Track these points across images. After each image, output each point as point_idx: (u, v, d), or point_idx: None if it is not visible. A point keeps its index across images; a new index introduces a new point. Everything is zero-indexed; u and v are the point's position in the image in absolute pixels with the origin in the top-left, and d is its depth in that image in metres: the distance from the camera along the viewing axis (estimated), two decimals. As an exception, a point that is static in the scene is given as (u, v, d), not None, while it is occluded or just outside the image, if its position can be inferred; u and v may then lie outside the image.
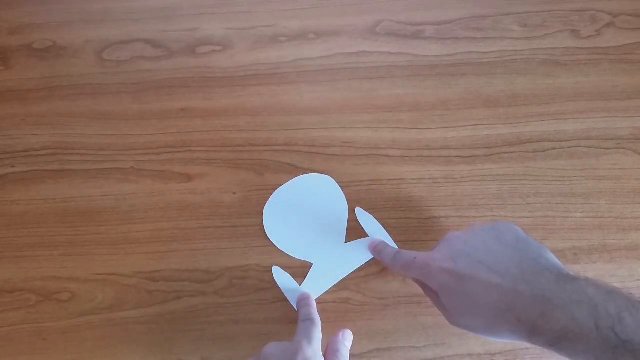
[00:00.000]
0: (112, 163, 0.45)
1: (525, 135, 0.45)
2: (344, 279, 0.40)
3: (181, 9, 0.50)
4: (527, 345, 0.38)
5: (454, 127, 0.45)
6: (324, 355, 0.33)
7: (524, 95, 0.46)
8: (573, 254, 0.41)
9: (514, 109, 0.46)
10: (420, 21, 0.49)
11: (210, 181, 0.44)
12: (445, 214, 0.42)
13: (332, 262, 0.41)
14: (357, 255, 0.41)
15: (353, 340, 0.38)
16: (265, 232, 0.42)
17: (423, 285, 0.35)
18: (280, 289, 0.40)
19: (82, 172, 0.44)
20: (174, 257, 0.42)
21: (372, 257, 0.40)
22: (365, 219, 0.42)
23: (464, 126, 0.45)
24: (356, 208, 0.42)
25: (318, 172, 0.44)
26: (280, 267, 0.41)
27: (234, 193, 0.43)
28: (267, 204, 0.43)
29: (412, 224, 0.42)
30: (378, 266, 0.41)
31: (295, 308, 0.39)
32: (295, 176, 0.44)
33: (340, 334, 0.36)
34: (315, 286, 0.40)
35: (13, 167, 0.45)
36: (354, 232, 0.42)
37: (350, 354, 0.39)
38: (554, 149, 0.44)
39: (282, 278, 0.40)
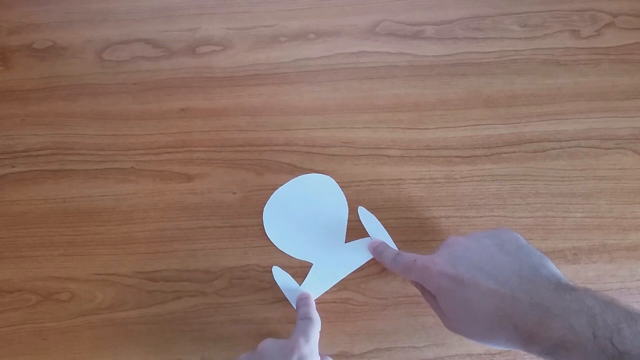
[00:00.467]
0: (112, 163, 0.45)
1: (525, 135, 0.45)
2: (344, 279, 0.40)
3: (181, 9, 0.50)
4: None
5: (454, 127, 0.45)
6: None
7: (524, 95, 0.46)
8: (573, 254, 0.41)
9: (514, 109, 0.46)
10: (420, 21, 0.49)
11: (210, 181, 0.44)
12: (445, 214, 0.42)
13: (332, 262, 0.41)
14: (357, 256, 0.41)
15: (353, 340, 0.38)
16: (265, 232, 0.42)
17: (421, 288, 0.35)
18: (280, 289, 0.40)
19: (82, 172, 0.44)
20: (174, 257, 0.42)
21: (372, 257, 0.40)
22: (367, 219, 0.42)
23: (464, 126, 0.45)
24: (359, 207, 0.42)
25: (318, 172, 0.44)
26: (280, 267, 0.41)
27: (234, 193, 0.43)
28: (267, 203, 0.43)
29: (412, 224, 0.42)
30: (378, 266, 0.41)
31: (295, 308, 0.39)
32: (295, 176, 0.44)
33: None
34: (315, 286, 0.40)
35: (13, 167, 0.45)
36: (354, 232, 0.42)
37: (350, 354, 0.39)
38: (554, 149, 0.44)
39: (282, 278, 0.40)
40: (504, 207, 0.43)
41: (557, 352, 0.26)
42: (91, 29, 0.50)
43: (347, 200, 0.43)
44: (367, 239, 0.41)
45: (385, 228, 0.42)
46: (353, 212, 0.42)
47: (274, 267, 0.41)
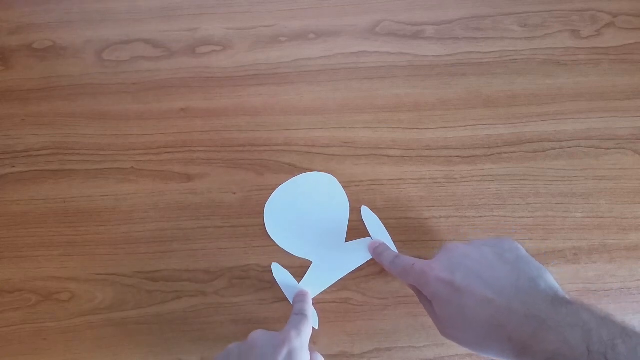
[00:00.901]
0: (111, 163, 0.45)
1: (525, 135, 0.45)
2: (344, 279, 0.40)
3: (181, 9, 0.50)
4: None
5: (454, 127, 0.45)
6: None
7: (524, 95, 0.46)
8: (573, 254, 0.41)
9: (514, 109, 0.46)
10: (420, 21, 0.49)
11: (210, 181, 0.44)
12: (445, 214, 0.42)
13: (331, 261, 0.41)
14: (357, 255, 0.41)
15: (353, 340, 0.38)
16: (265, 231, 0.42)
17: (418, 292, 0.35)
18: (279, 287, 0.40)
19: (82, 172, 0.44)
20: (174, 257, 0.42)
21: (372, 257, 0.40)
22: (370, 218, 0.42)
23: (464, 126, 0.45)
24: (362, 206, 0.42)
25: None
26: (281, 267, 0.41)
27: (234, 193, 0.43)
28: (268, 200, 0.43)
29: (412, 224, 0.42)
30: (378, 266, 0.41)
31: (291, 303, 0.39)
32: (295, 176, 0.44)
33: None
34: (314, 284, 0.40)
35: (13, 167, 0.45)
36: (355, 231, 0.42)
37: (350, 354, 0.39)
38: (554, 149, 0.44)
39: (281, 274, 0.40)
40: (504, 207, 0.43)
41: None
42: (91, 29, 0.50)
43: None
44: (367, 239, 0.41)
45: (385, 228, 0.42)
46: (354, 212, 0.42)
47: (273, 263, 0.41)
